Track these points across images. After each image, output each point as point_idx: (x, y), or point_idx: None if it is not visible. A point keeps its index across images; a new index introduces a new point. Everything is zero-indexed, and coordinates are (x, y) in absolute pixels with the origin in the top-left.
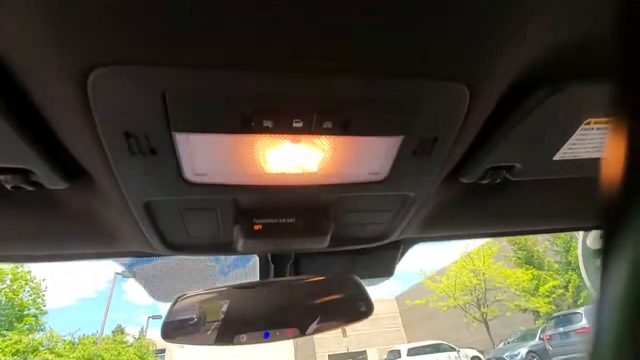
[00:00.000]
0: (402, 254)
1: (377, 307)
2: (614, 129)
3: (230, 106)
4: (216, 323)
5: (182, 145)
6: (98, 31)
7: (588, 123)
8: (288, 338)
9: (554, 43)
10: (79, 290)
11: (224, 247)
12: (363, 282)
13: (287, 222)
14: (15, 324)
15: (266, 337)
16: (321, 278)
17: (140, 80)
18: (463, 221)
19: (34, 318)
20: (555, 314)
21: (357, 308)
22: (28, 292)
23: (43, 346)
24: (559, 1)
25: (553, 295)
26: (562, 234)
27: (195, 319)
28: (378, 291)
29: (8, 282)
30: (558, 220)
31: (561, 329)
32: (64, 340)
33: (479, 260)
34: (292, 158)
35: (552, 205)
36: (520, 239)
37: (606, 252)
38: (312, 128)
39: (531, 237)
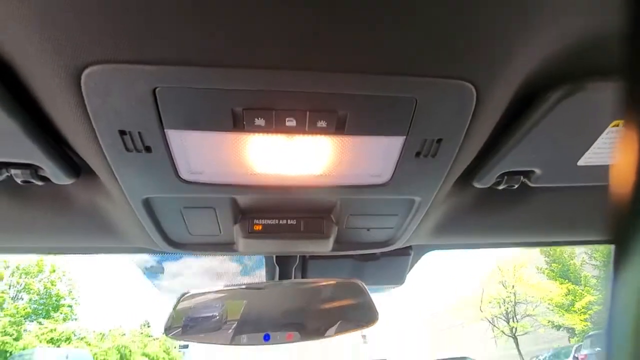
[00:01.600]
0: (414, 262)
1: (399, 315)
2: (625, 133)
3: (220, 103)
4: (218, 322)
5: (176, 143)
6: (87, 32)
7: (616, 125)
8: (288, 342)
9: (570, 39)
10: (113, 284)
11: (226, 247)
12: (373, 288)
13: (288, 223)
14: (51, 313)
15: (266, 340)
16: (325, 282)
17: (130, 77)
18: (478, 229)
19: (68, 308)
20: (592, 332)
21: (361, 316)
22: (65, 282)
23: (75, 335)
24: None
25: (590, 312)
26: (602, 246)
27: (198, 317)
28: (401, 297)
29: (47, 272)
30: (583, 231)
31: (598, 349)
32: (95, 331)
33: (509, 271)
34: (288, 159)
35: (576, 215)
36: (555, 250)
37: (616, 266)
38: (306, 127)
39: (567, 249)
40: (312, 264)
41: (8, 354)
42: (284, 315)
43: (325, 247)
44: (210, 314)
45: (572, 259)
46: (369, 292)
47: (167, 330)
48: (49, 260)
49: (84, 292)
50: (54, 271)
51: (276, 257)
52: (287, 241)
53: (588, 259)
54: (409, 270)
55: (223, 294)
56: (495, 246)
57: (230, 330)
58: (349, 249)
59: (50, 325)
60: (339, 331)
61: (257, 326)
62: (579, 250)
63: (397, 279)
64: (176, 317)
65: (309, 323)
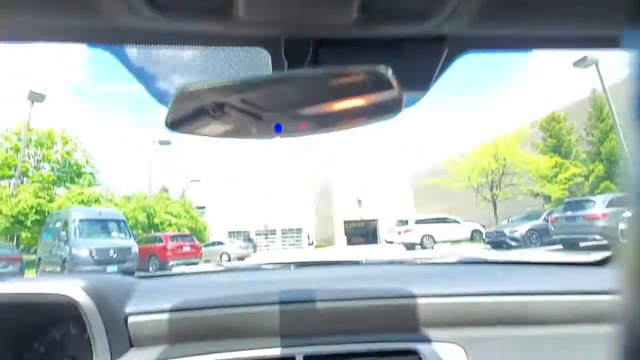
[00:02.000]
0: (446, 62)
1: (391, 184)
2: None
3: None
4: (224, 114)
5: None
6: None
7: None
8: (301, 133)
9: None
10: (123, 155)
11: (221, 14)
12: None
13: None
14: (75, 180)
15: (277, 131)
16: (344, 69)
17: None
18: (529, 12)
19: (90, 175)
20: (567, 200)
21: (385, 104)
22: (80, 153)
23: (103, 198)
24: None
25: (570, 183)
26: (602, 124)
27: (200, 110)
28: (392, 161)
29: (60, 144)
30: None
31: (569, 213)
32: (120, 195)
33: (504, 144)
34: None
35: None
36: (555, 126)
37: None
38: None
39: (567, 125)
40: (325, 56)
41: (45, 213)
42: (296, 105)
43: (348, 14)
44: (214, 107)
45: (569, 135)
46: (393, 77)
47: (168, 123)
48: (59, 132)
49: (100, 162)
50: (66, 142)
51: (284, 47)
52: (299, 5)
53: (585, 135)
54: (438, 74)
55: (226, 86)
56: (540, 46)
57: (237, 122)
58: (373, 28)
59: (78, 189)
60: (359, 121)
61: (267, 117)
62: (579, 126)
63: (425, 78)
64: (176, 110)
65: (325, 112)
